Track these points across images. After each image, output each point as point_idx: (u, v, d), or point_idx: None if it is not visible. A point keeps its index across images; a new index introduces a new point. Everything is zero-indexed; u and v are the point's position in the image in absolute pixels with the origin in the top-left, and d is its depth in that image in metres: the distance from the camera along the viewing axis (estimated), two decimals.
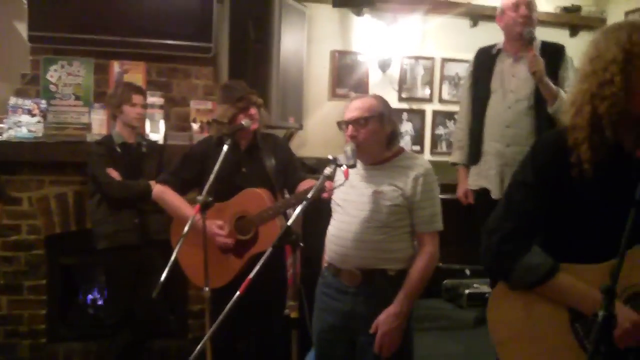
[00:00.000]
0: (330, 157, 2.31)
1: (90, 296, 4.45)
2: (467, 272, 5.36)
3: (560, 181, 1.70)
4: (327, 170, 2.28)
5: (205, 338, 2.10)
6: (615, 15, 5.75)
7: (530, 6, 3.47)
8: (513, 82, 3.50)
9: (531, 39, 3.36)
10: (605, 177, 1.62)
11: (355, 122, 2.41)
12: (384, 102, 2.50)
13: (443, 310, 4.78)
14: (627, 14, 5.62)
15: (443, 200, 5.06)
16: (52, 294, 4.17)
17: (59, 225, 4.08)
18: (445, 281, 5.31)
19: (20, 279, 4.06)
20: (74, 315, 4.38)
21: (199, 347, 2.06)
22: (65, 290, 4.32)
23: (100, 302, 4.42)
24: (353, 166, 2.30)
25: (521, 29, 3.42)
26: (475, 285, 5.17)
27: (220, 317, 2.04)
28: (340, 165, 2.29)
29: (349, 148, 2.34)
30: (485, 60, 3.68)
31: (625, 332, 1.55)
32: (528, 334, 1.75)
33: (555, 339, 1.68)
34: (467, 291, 5.01)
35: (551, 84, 3.30)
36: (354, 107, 2.44)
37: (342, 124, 2.45)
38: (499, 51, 3.62)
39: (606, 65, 1.63)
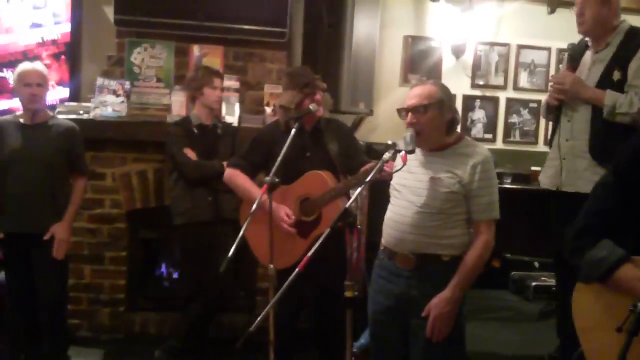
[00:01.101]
0: (389, 142, 2.38)
1: (166, 269, 4.70)
2: (536, 264, 5.31)
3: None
4: (386, 155, 2.35)
5: (266, 309, 2.22)
6: None
7: (582, 6, 3.29)
8: (584, 74, 3.37)
9: (571, 56, 3.31)
10: None
11: (415, 109, 2.44)
12: (443, 89, 2.51)
13: (508, 302, 4.77)
14: None
15: (513, 190, 5.09)
16: (131, 266, 4.44)
17: (140, 201, 4.34)
18: (512, 273, 5.27)
19: (103, 250, 4.35)
20: (151, 287, 4.64)
21: (259, 318, 2.20)
22: (143, 262, 4.60)
23: (175, 276, 4.66)
24: (412, 152, 2.35)
25: (581, 29, 3.32)
26: (543, 278, 5.11)
27: (280, 290, 2.16)
28: (399, 151, 2.35)
29: (408, 134, 2.39)
30: (578, 50, 3.50)
31: None
32: (607, 324, 1.79)
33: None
34: (533, 283, 4.98)
35: (592, 92, 3.20)
36: (414, 95, 2.47)
37: (401, 111, 2.51)
38: (587, 42, 3.46)
39: None
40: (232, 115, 4.35)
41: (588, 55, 3.39)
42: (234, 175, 3.24)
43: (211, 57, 4.40)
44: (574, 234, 1.85)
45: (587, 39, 3.42)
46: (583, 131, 3.28)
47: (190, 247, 3.91)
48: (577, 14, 3.32)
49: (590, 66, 3.33)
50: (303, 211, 3.13)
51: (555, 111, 3.46)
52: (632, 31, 3.24)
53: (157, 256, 4.72)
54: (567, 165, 3.31)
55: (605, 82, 3.20)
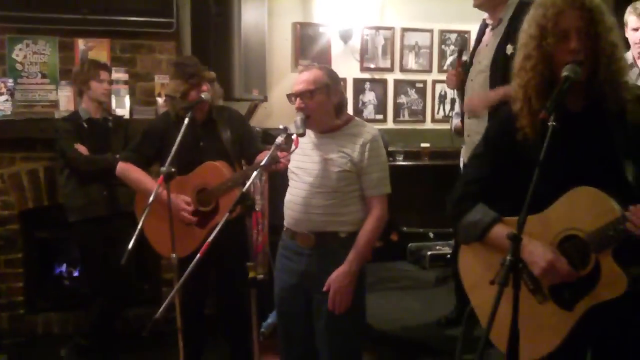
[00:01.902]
0: (281, 126, 2.47)
1: (65, 268, 4.59)
2: (431, 235, 5.59)
3: (508, 146, 1.90)
4: (279, 140, 2.44)
5: (171, 295, 2.26)
6: None
7: None
8: (482, 52, 3.44)
9: (461, 51, 3.46)
10: (541, 140, 1.80)
11: (302, 94, 2.53)
12: (329, 73, 2.60)
13: (407, 272, 5.02)
14: None
15: (406, 166, 5.34)
16: (28, 267, 4.32)
17: (32, 200, 4.22)
18: (409, 244, 5.53)
19: None
20: (51, 287, 4.52)
21: (164, 304, 2.25)
22: (41, 262, 4.47)
23: (75, 274, 4.56)
24: (302, 135, 2.45)
25: (475, 3, 3.39)
26: (437, 247, 5.40)
27: (183, 277, 2.21)
28: (291, 135, 2.44)
29: (298, 118, 2.48)
30: (481, 29, 3.58)
31: (544, 271, 1.75)
32: (487, 280, 1.96)
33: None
34: (429, 253, 5.25)
35: (496, 92, 3.20)
36: (301, 80, 2.56)
37: (290, 97, 2.59)
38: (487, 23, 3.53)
39: (527, 40, 1.82)
40: (122, 107, 4.31)
41: (487, 32, 3.47)
42: (127, 169, 3.22)
43: (97, 50, 4.32)
44: (454, 201, 2.01)
45: (487, 19, 3.49)
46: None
47: (87, 244, 3.85)
48: None
49: (487, 43, 3.42)
50: (200, 201, 3.17)
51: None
52: (522, 4, 3.21)
53: (54, 255, 4.61)
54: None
55: (498, 57, 3.26)
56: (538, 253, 1.75)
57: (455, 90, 3.67)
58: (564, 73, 1.70)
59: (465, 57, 3.60)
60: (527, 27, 1.83)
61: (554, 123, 1.62)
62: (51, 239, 4.53)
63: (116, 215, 3.79)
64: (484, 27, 3.52)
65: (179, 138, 2.85)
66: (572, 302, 1.78)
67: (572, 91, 1.72)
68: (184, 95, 3.13)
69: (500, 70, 3.21)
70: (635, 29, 3.70)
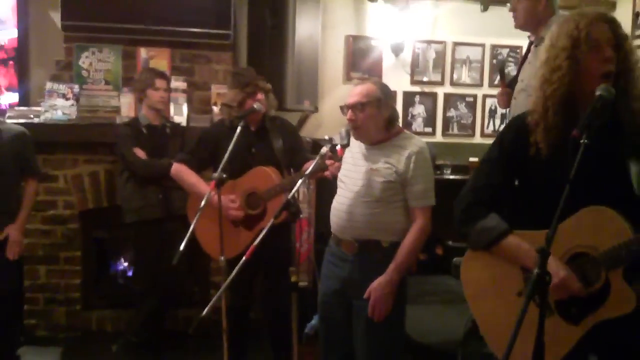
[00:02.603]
0: (326, 137, 2.58)
1: (120, 267, 4.79)
2: None
3: (520, 158, 1.94)
4: (324, 150, 2.55)
5: (218, 294, 2.37)
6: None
7: (514, 1, 3.41)
8: (525, 70, 3.45)
9: (501, 70, 3.51)
10: (556, 156, 1.84)
11: (354, 106, 2.63)
12: (382, 88, 2.70)
13: (450, 286, 5.00)
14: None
15: (454, 180, 5.34)
16: (86, 265, 4.53)
17: (92, 201, 4.44)
18: (455, 259, 5.52)
19: (57, 250, 4.43)
20: (106, 285, 4.73)
21: (210, 303, 2.36)
22: (97, 261, 4.68)
23: (129, 273, 4.75)
24: (346, 146, 2.56)
25: (516, 24, 3.44)
26: None
27: (229, 277, 2.32)
28: (335, 145, 2.55)
29: (343, 129, 2.59)
30: (527, 48, 3.59)
31: (555, 286, 1.78)
32: (492, 290, 2.02)
33: (511, 294, 1.94)
34: None
35: None
36: (354, 93, 2.67)
37: (343, 108, 2.70)
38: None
39: (557, 52, 1.85)
40: (180, 115, 4.48)
41: (532, 50, 3.46)
42: (181, 170, 3.39)
43: (158, 59, 4.52)
44: (465, 206, 2.03)
45: (530, 37, 3.49)
46: None
47: (142, 244, 4.02)
48: (511, 10, 3.44)
49: (530, 61, 3.41)
50: (249, 205, 3.29)
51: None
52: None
53: (110, 255, 4.81)
54: None
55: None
56: (552, 269, 1.76)
57: (507, 110, 3.70)
58: (598, 92, 1.73)
59: (507, 73, 3.62)
60: (555, 41, 1.87)
61: (587, 141, 1.65)
62: (108, 239, 4.74)
63: (170, 218, 3.93)
64: (530, 44, 3.56)
65: (231, 145, 2.98)
66: (579, 317, 1.82)
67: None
68: (240, 104, 3.28)
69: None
70: None
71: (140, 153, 3.89)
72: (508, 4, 3.54)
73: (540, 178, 1.90)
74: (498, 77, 3.69)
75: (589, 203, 1.81)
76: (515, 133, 2.00)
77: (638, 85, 1.80)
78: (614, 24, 1.82)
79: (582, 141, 1.65)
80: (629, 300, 1.78)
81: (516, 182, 2.06)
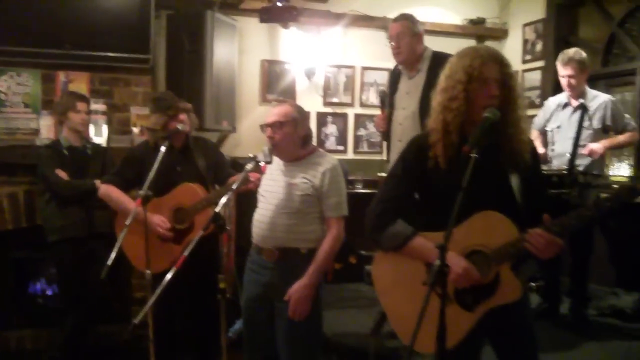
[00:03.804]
0: (250, 155, 2.82)
1: (39, 287, 4.79)
2: None
3: (421, 171, 2.25)
4: (248, 166, 2.78)
5: (150, 301, 2.53)
6: (515, 26, 6.46)
7: (399, 37, 3.83)
8: (405, 99, 3.91)
9: (383, 100, 3.92)
10: (453, 168, 2.16)
11: (273, 125, 2.89)
12: (298, 109, 2.98)
13: (363, 292, 5.33)
14: (524, 25, 6.34)
15: (364, 194, 5.67)
16: (3, 285, 4.52)
17: (10, 222, 4.45)
18: (366, 266, 5.85)
19: None
20: (25, 305, 4.71)
21: (143, 311, 2.52)
22: (16, 281, 4.67)
23: (49, 292, 4.76)
24: (269, 162, 2.82)
25: (398, 59, 3.90)
26: None
27: (162, 284, 2.48)
28: (259, 162, 2.79)
29: (266, 148, 2.84)
30: (394, 77, 4.08)
31: (458, 276, 2.10)
32: (399, 285, 2.31)
33: (416, 287, 2.20)
34: None
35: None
36: (273, 113, 2.93)
37: (263, 127, 2.95)
38: (400, 70, 4.03)
39: (455, 84, 2.18)
40: (100, 136, 4.59)
41: (404, 81, 3.96)
42: (109, 190, 3.52)
43: (77, 82, 4.62)
44: (375, 215, 2.31)
45: (402, 70, 3.98)
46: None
47: (65, 262, 4.06)
48: (394, 47, 3.87)
49: (408, 91, 3.90)
50: (177, 220, 3.47)
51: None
52: (436, 56, 3.82)
53: (29, 275, 4.81)
54: None
55: (425, 103, 3.68)
56: (454, 261, 2.09)
57: (382, 132, 4.11)
58: (485, 114, 2.08)
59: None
60: (454, 73, 2.18)
61: (476, 155, 1.98)
62: (27, 259, 4.73)
63: (92, 236, 4.02)
64: (397, 75, 4.01)
65: (156, 164, 3.16)
66: (473, 304, 2.15)
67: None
68: (164, 127, 3.46)
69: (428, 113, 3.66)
70: (562, 76, 4.24)
71: (62, 174, 3.97)
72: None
73: (439, 187, 2.21)
74: (380, 104, 4.07)
75: (481, 208, 2.13)
76: (417, 150, 2.31)
77: (515, 115, 2.16)
78: (502, 64, 2.17)
79: (471, 155, 1.98)
80: (516, 289, 2.13)
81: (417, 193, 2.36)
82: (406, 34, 3.84)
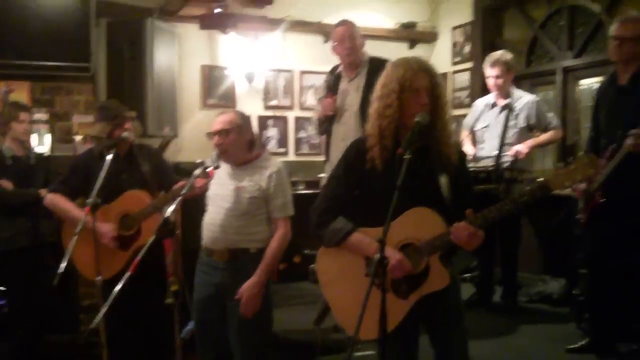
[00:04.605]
0: (198, 160, 2.94)
1: None
2: None
3: (360, 172, 2.44)
4: (197, 171, 2.91)
5: (108, 303, 2.62)
6: (445, 30, 6.77)
7: (351, 38, 4.05)
8: (346, 100, 4.11)
9: (328, 84, 4.13)
10: (389, 169, 2.35)
11: (219, 133, 3.03)
12: (242, 116, 3.13)
13: (309, 290, 5.51)
14: (453, 29, 6.65)
15: (306, 194, 5.83)
16: None
17: None
18: (311, 265, 6.02)
19: None
20: None
21: (99, 315, 2.61)
22: None
23: None
24: (217, 167, 2.95)
25: (349, 59, 4.08)
26: None
27: (114, 293, 2.57)
28: (207, 167, 2.92)
29: (214, 153, 2.98)
30: (335, 78, 4.23)
31: (393, 267, 2.29)
32: (341, 277, 2.50)
33: (356, 279, 2.40)
34: None
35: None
36: (218, 121, 3.06)
37: (210, 135, 3.08)
38: (340, 73, 4.22)
39: (389, 92, 2.38)
40: (43, 145, 4.59)
41: (344, 83, 4.16)
42: (55, 199, 3.54)
43: (18, 92, 4.63)
44: (318, 213, 2.51)
45: (340, 69, 4.18)
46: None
47: (12, 273, 4.05)
48: (348, 47, 4.05)
49: (349, 93, 4.11)
50: (123, 226, 3.52)
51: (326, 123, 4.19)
52: (373, 60, 4.07)
53: None
54: None
55: (365, 106, 3.65)
56: (389, 254, 2.27)
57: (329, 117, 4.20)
58: (416, 119, 2.29)
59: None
60: (389, 82, 2.38)
61: (409, 156, 2.18)
62: None
63: (39, 246, 4.03)
64: (336, 77, 4.20)
65: (102, 172, 3.19)
66: (407, 293, 2.36)
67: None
68: (109, 135, 3.52)
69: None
70: (489, 76, 4.53)
71: (6, 184, 3.97)
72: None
73: (376, 187, 2.40)
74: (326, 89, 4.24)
75: (413, 205, 2.34)
76: (356, 153, 2.51)
77: (443, 120, 2.38)
78: (431, 74, 2.38)
79: (405, 157, 2.18)
80: (444, 278, 2.34)
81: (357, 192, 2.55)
82: (356, 36, 4.08)
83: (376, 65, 4.02)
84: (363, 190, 2.49)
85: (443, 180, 2.36)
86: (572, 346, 3.85)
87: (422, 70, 2.36)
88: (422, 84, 2.34)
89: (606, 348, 3.72)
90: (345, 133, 4.08)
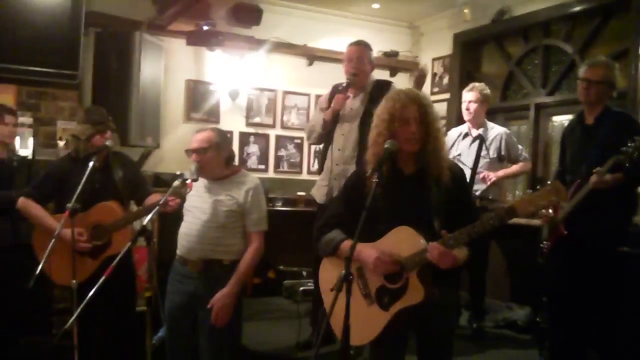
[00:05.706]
0: (178, 172, 3.05)
1: None
2: (304, 273, 6.19)
3: (358, 195, 2.59)
4: (176, 183, 3.01)
5: (81, 306, 2.68)
6: (425, 60, 6.97)
7: (360, 60, 4.13)
8: (348, 114, 4.19)
9: (345, 86, 4.16)
10: (384, 192, 2.50)
11: (197, 151, 3.15)
12: (220, 134, 3.24)
13: (281, 305, 5.61)
14: (433, 60, 6.85)
15: (285, 212, 5.97)
16: None
17: None
18: (285, 281, 6.13)
19: None
20: None
21: (74, 316, 2.68)
22: None
23: None
24: (195, 180, 3.06)
25: (353, 79, 4.12)
26: (309, 283, 6.00)
27: (88, 296, 2.63)
28: (186, 179, 3.03)
29: (193, 166, 3.09)
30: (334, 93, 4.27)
31: (374, 265, 2.46)
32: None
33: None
34: (301, 288, 5.86)
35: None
36: (196, 140, 3.18)
37: (188, 152, 3.19)
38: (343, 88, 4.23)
39: (381, 122, 2.56)
40: (26, 148, 4.66)
41: (350, 99, 4.21)
42: (27, 204, 3.60)
43: (4, 95, 4.69)
44: (317, 228, 2.72)
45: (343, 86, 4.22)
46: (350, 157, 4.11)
47: None
48: (355, 68, 4.11)
49: (352, 107, 4.18)
50: (94, 236, 3.56)
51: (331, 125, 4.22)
52: (378, 81, 4.25)
53: None
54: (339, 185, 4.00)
55: (366, 119, 3.77)
56: (369, 254, 2.46)
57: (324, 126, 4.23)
58: (385, 146, 2.46)
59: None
60: (381, 113, 2.57)
61: (377, 180, 2.38)
62: None
63: (17, 247, 4.07)
64: (337, 91, 4.26)
65: (84, 177, 3.24)
66: (389, 305, 2.49)
67: (405, 159, 2.55)
68: (88, 138, 3.59)
69: (368, 127, 3.63)
70: (464, 101, 4.73)
71: None
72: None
73: (372, 208, 2.54)
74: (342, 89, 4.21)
75: (404, 223, 2.49)
76: (356, 177, 2.73)
77: (434, 146, 2.51)
78: (420, 104, 2.53)
79: (374, 180, 2.38)
80: (419, 293, 2.45)
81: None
82: (365, 60, 4.17)
83: (381, 84, 4.22)
84: (360, 210, 2.63)
85: (435, 200, 2.51)
86: None
87: (410, 101, 2.52)
88: (410, 115, 2.50)
89: None
90: (344, 144, 4.17)
